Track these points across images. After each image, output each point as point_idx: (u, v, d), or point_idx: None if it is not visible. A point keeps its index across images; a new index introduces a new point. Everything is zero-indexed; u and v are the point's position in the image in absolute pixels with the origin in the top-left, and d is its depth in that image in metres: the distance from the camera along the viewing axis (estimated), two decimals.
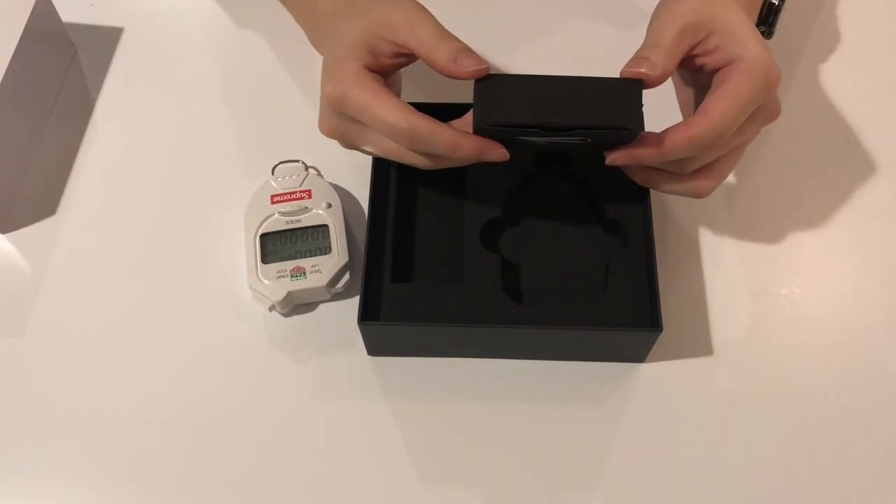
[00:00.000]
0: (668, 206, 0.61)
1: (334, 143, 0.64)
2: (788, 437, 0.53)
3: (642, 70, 0.46)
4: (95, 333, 0.57)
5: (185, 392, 0.55)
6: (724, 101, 0.47)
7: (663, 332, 0.51)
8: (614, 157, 0.49)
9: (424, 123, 0.47)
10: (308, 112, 0.66)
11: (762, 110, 0.49)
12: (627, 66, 0.47)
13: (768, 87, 0.48)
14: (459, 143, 0.47)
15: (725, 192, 0.62)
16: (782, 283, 0.58)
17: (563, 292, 0.56)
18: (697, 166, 0.50)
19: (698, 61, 0.49)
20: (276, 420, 0.54)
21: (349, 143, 0.52)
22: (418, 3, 0.50)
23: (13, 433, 0.54)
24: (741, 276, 0.58)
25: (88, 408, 0.55)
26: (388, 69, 0.50)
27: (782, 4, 0.57)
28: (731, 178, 0.62)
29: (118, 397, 0.55)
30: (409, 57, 0.50)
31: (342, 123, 0.50)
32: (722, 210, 0.61)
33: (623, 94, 0.46)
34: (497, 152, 0.48)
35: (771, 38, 0.60)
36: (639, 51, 0.48)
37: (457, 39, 0.48)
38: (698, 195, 0.52)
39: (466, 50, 0.48)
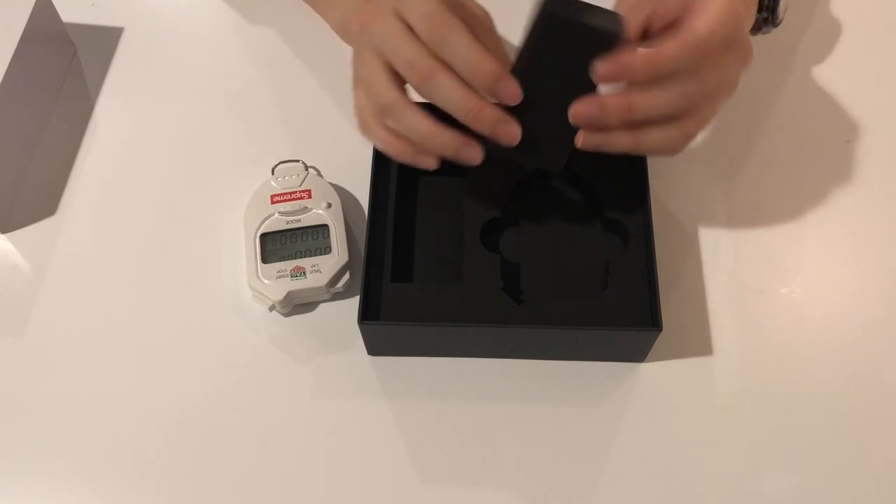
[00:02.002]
0: (668, 206, 0.61)
1: (334, 143, 0.64)
2: (788, 436, 0.53)
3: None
4: (95, 333, 0.57)
5: (184, 392, 0.55)
6: (702, 15, 0.46)
7: (663, 332, 0.52)
8: (602, 68, 0.47)
9: (461, 25, 0.46)
10: (308, 112, 0.66)
11: (733, 49, 0.49)
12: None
13: (733, 17, 0.47)
14: (482, 56, 0.46)
15: (725, 192, 0.62)
16: (782, 282, 0.58)
17: (563, 292, 0.56)
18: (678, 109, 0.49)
19: (663, 17, 0.50)
20: (276, 420, 0.54)
21: (369, 34, 0.49)
22: None
23: (13, 433, 0.54)
24: (741, 276, 0.58)
25: (88, 408, 0.55)
26: None
27: None
28: (731, 178, 0.62)
29: (118, 397, 0.55)
30: None
31: (386, 4, 0.48)
32: (722, 210, 0.61)
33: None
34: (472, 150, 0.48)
35: (777, 25, 0.59)
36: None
37: None
38: (676, 145, 0.51)
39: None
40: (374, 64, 0.49)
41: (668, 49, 0.46)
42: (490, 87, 0.47)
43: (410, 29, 0.48)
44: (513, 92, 0.47)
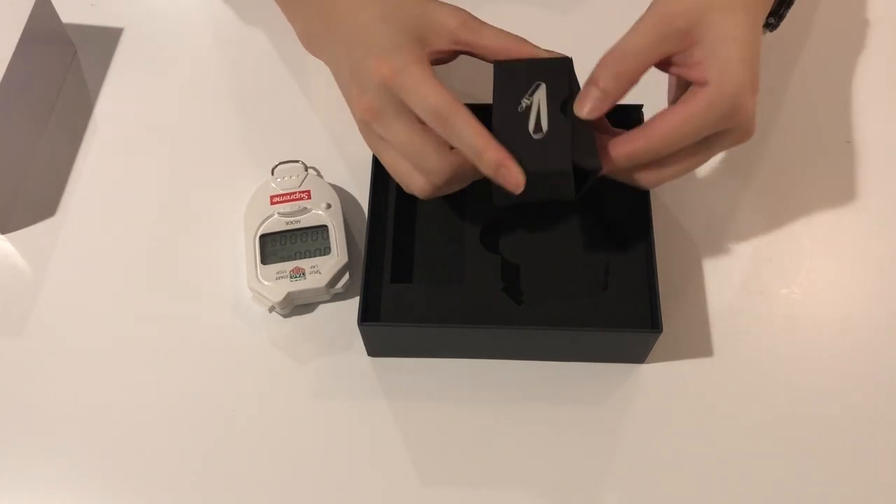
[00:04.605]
0: (668, 206, 0.61)
1: (334, 143, 0.64)
2: (788, 437, 0.53)
3: (585, 110, 0.47)
4: (95, 334, 0.57)
5: (184, 392, 0.55)
6: (670, 122, 0.47)
7: (663, 333, 0.51)
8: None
9: (465, 111, 0.46)
10: (308, 112, 0.66)
11: (728, 134, 0.48)
12: (577, 101, 0.48)
13: (734, 116, 0.47)
14: (487, 143, 0.46)
15: (725, 193, 0.62)
16: (782, 283, 0.58)
17: (563, 293, 0.56)
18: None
19: (679, 71, 0.49)
20: (276, 420, 0.54)
21: (379, 128, 0.50)
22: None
23: (12, 434, 0.54)
24: (741, 276, 0.58)
25: (88, 408, 0.55)
26: (436, 62, 0.51)
27: None
28: (731, 178, 0.62)
29: (118, 398, 0.55)
30: (455, 54, 0.52)
31: (384, 100, 0.48)
32: (722, 210, 0.61)
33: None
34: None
35: (775, 29, 0.59)
36: (598, 66, 0.48)
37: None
38: (641, 187, 0.52)
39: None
40: (393, 157, 0.50)
41: (618, 156, 0.48)
42: (493, 172, 0.47)
43: (413, 115, 0.48)
44: (515, 179, 0.46)
